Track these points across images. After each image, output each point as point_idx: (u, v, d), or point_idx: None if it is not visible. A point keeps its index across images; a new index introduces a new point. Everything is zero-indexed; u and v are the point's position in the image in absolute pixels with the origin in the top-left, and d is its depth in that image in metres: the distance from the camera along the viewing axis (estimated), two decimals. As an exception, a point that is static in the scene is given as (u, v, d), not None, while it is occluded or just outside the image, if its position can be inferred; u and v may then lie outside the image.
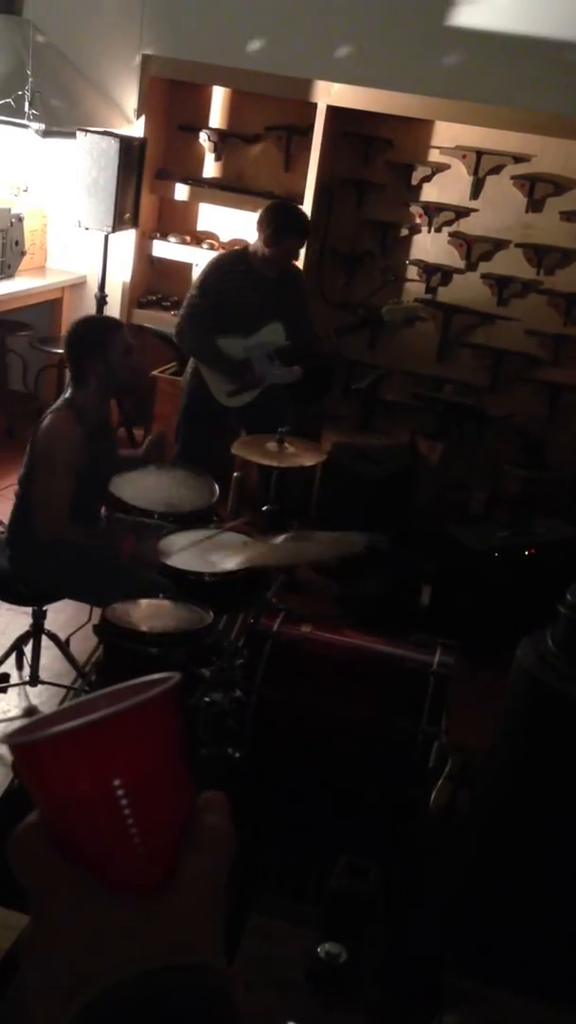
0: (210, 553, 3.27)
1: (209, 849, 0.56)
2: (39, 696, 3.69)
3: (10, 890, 0.56)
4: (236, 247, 4.96)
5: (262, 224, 4.41)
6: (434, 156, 5.52)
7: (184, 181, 5.85)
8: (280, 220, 4.38)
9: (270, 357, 4.47)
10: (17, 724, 0.51)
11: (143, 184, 5.40)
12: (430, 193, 5.57)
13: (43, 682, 3.65)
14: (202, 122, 5.89)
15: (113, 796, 0.51)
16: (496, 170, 5.39)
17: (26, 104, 4.91)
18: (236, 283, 4.44)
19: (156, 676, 0.55)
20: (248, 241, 5.88)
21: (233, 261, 4.53)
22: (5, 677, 3.66)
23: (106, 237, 5.29)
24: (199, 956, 0.53)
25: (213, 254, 5.84)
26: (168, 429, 4.55)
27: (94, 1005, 0.50)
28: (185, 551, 3.37)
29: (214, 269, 4.52)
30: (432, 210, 5.52)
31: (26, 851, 0.53)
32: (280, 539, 3.03)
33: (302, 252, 4.76)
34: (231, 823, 0.57)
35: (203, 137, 5.83)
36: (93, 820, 0.52)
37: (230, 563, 3.06)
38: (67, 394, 3.33)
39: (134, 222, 5.42)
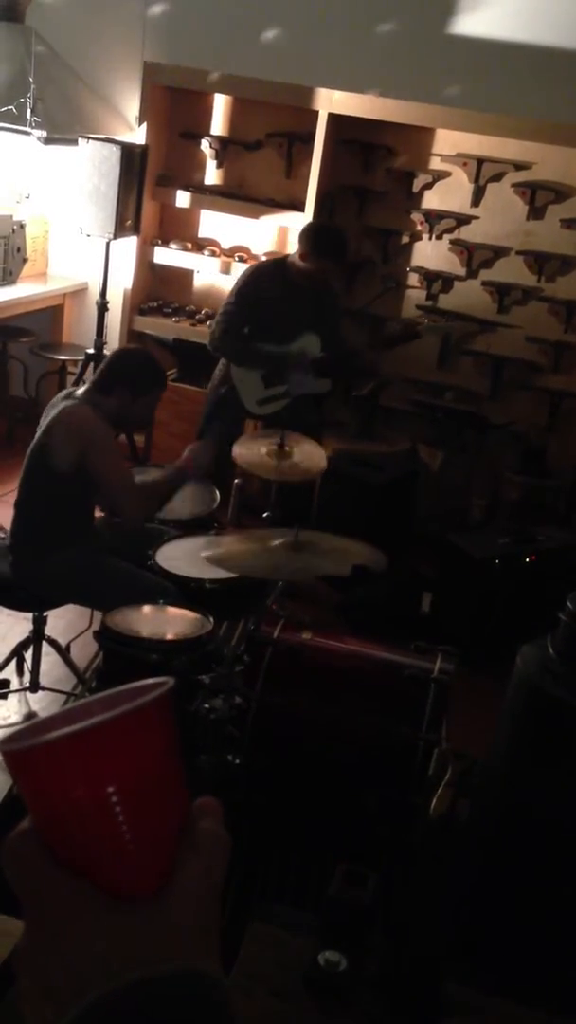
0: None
1: (204, 855, 0.55)
2: (39, 702, 3.68)
3: (8, 896, 0.55)
4: (274, 257, 4.97)
5: (301, 239, 4.47)
6: (435, 163, 5.53)
7: (185, 188, 5.86)
8: (317, 241, 4.41)
9: (304, 368, 4.50)
10: (16, 730, 0.51)
11: (144, 191, 5.41)
12: (431, 200, 5.58)
13: (43, 688, 3.64)
14: (204, 129, 5.90)
15: (107, 802, 0.51)
16: (497, 177, 5.40)
17: (28, 111, 4.92)
18: (273, 293, 4.46)
19: (150, 681, 0.55)
20: (250, 248, 5.92)
21: (271, 271, 4.56)
22: (5, 683, 3.66)
23: (108, 244, 5.30)
24: (195, 963, 0.52)
25: (215, 260, 5.87)
26: (168, 436, 4.56)
27: (89, 1012, 0.50)
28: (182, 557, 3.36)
29: (251, 278, 4.54)
30: (433, 217, 5.53)
31: (19, 858, 0.53)
32: (279, 541, 3.02)
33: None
34: (226, 829, 0.57)
35: (205, 144, 5.84)
36: (87, 826, 0.52)
37: (215, 554, 3.04)
38: (76, 394, 3.32)
39: (135, 229, 5.43)
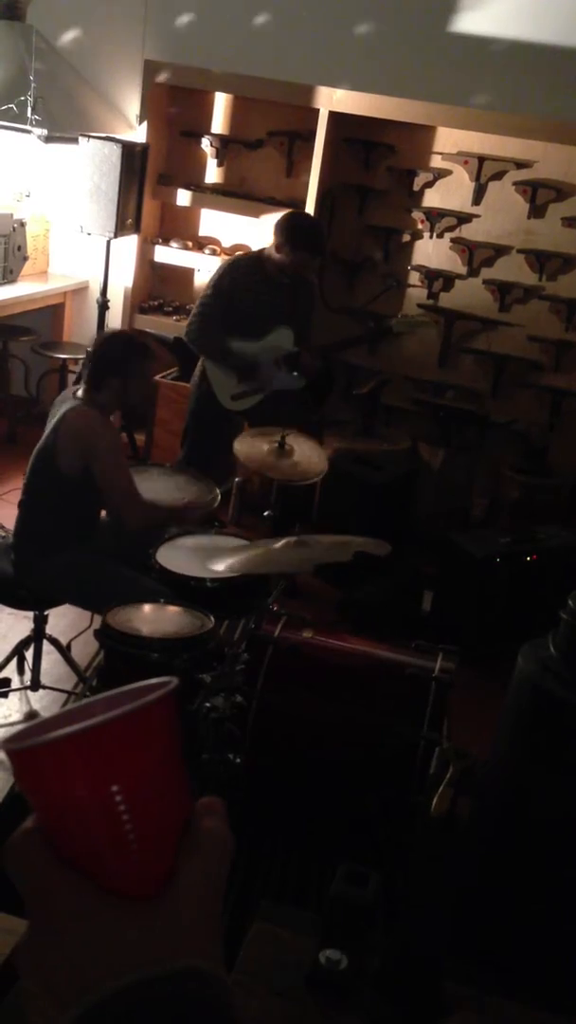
0: (209, 557, 3.26)
1: (207, 854, 0.55)
2: (40, 701, 3.68)
3: (12, 895, 0.55)
4: (251, 251, 4.94)
5: (277, 231, 4.41)
6: (436, 162, 5.53)
7: (186, 187, 5.86)
8: (293, 232, 4.35)
9: (277, 363, 4.48)
10: (18, 729, 0.51)
11: (145, 189, 5.41)
12: (432, 199, 5.58)
13: (44, 687, 3.64)
14: (204, 128, 5.90)
15: (110, 802, 0.51)
16: (498, 176, 5.40)
17: (29, 110, 4.91)
18: (250, 286, 4.44)
19: (154, 681, 0.55)
20: (251, 247, 5.92)
21: (248, 264, 4.53)
22: (6, 682, 3.66)
23: (108, 242, 5.30)
24: (198, 962, 0.52)
25: (216, 259, 5.86)
26: (168, 434, 4.56)
27: (92, 1012, 0.50)
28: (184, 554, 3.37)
29: (229, 271, 4.51)
30: (434, 216, 5.53)
31: (22, 857, 0.53)
32: (280, 544, 3.02)
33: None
34: (229, 828, 0.57)
35: (205, 143, 5.84)
36: (90, 826, 0.51)
37: (226, 565, 3.05)
38: (79, 394, 3.32)
39: (136, 227, 5.43)
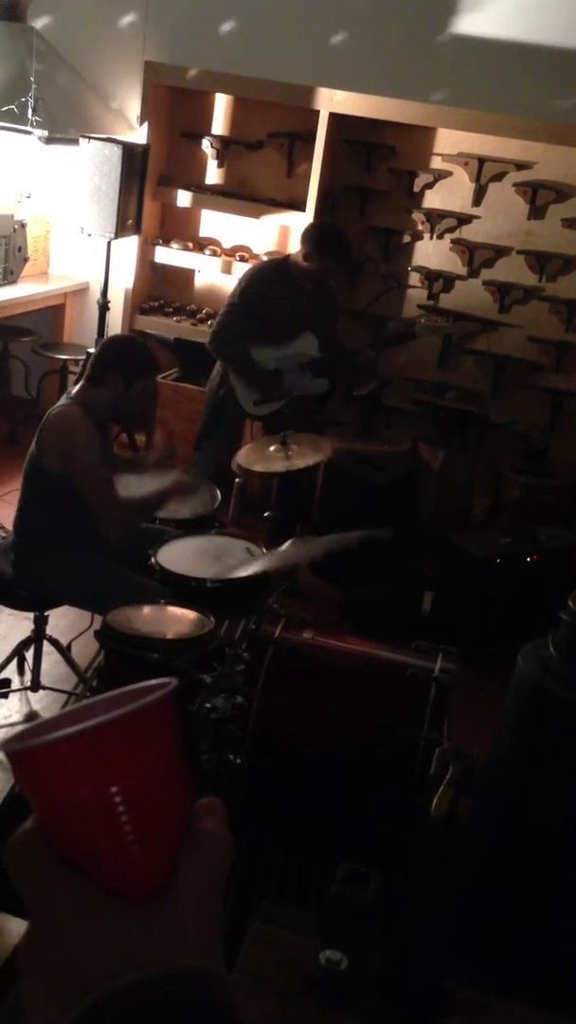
0: (213, 561, 3.26)
1: (207, 854, 0.55)
2: (40, 702, 3.69)
3: (12, 896, 0.56)
4: (275, 258, 4.95)
5: (304, 240, 4.45)
6: (436, 163, 5.53)
7: (187, 188, 5.86)
8: (321, 242, 4.39)
9: (302, 368, 4.50)
10: (18, 730, 0.51)
11: (146, 190, 5.41)
12: (432, 200, 5.58)
13: (44, 688, 3.65)
14: (205, 129, 5.90)
15: (110, 802, 0.51)
16: (498, 177, 5.40)
17: (29, 111, 4.92)
18: (276, 293, 4.47)
19: (154, 681, 0.55)
20: (251, 248, 5.92)
21: (274, 270, 4.55)
22: (6, 682, 3.66)
23: (109, 243, 5.30)
24: (198, 962, 0.53)
25: (216, 260, 5.87)
26: (167, 435, 4.54)
27: (92, 1011, 0.50)
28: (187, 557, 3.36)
29: (256, 277, 4.54)
30: (434, 217, 5.53)
31: (22, 857, 0.53)
32: (283, 548, 3.03)
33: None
34: (228, 828, 0.57)
35: (206, 144, 5.84)
36: (90, 826, 0.52)
37: (234, 572, 3.06)
38: (72, 393, 3.32)
39: (137, 228, 5.43)
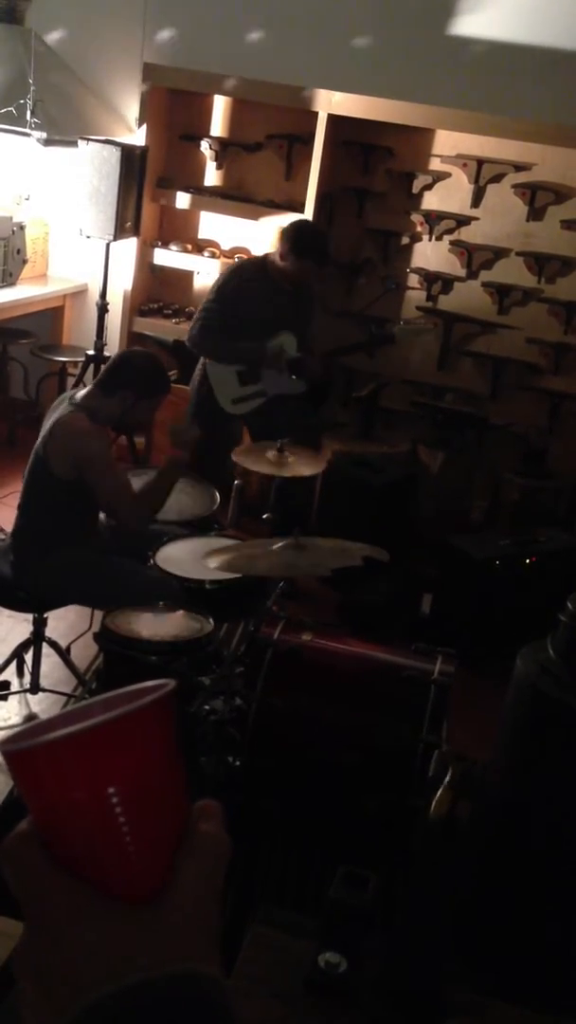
0: (207, 558, 3.26)
1: (204, 857, 0.55)
2: (40, 704, 3.68)
3: (8, 898, 0.55)
4: (255, 256, 4.95)
5: (282, 238, 4.44)
6: (435, 165, 5.53)
7: (185, 189, 5.86)
8: (299, 241, 4.38)
9: (280, 367, 4.49)
10: (16, 731, 0.50)
11: (144, 192, 5.41)
12: (431, 202, 5.58)
13: (44, 690, 3.64)
14: (203, 131, 5.90)
15: (107, 804, 0.51)
16: (497, 178, 5.41)
17: (28, 113, 4.92)
18: (254, 291, 4.46)
19: (151, 683, 0.55)
20: (250, 249, 5.92)
21: (253, 269, 4.55)
22: (6, 685, 3.66)
23: (107, 245, 5.30)
24: (195, 965, 0.52)
25: (215, 262, 5.87)
26: (166, 436, 4.53)
27: (89, 1015, 0.50)
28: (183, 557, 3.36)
29: (234, 275, 4.54)
30: (433, 218, 5.53)
31: (18, 859, 0.53)
32: (279, 546, 3.02)
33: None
34: (226, 831, 0.57)
35: (204, 146, 5.85)
36: (87, 828, 0.51)
37: (223, 563, 3.04)
38: (75, 398, 3.32)
39: (135, 230, 5.43)
